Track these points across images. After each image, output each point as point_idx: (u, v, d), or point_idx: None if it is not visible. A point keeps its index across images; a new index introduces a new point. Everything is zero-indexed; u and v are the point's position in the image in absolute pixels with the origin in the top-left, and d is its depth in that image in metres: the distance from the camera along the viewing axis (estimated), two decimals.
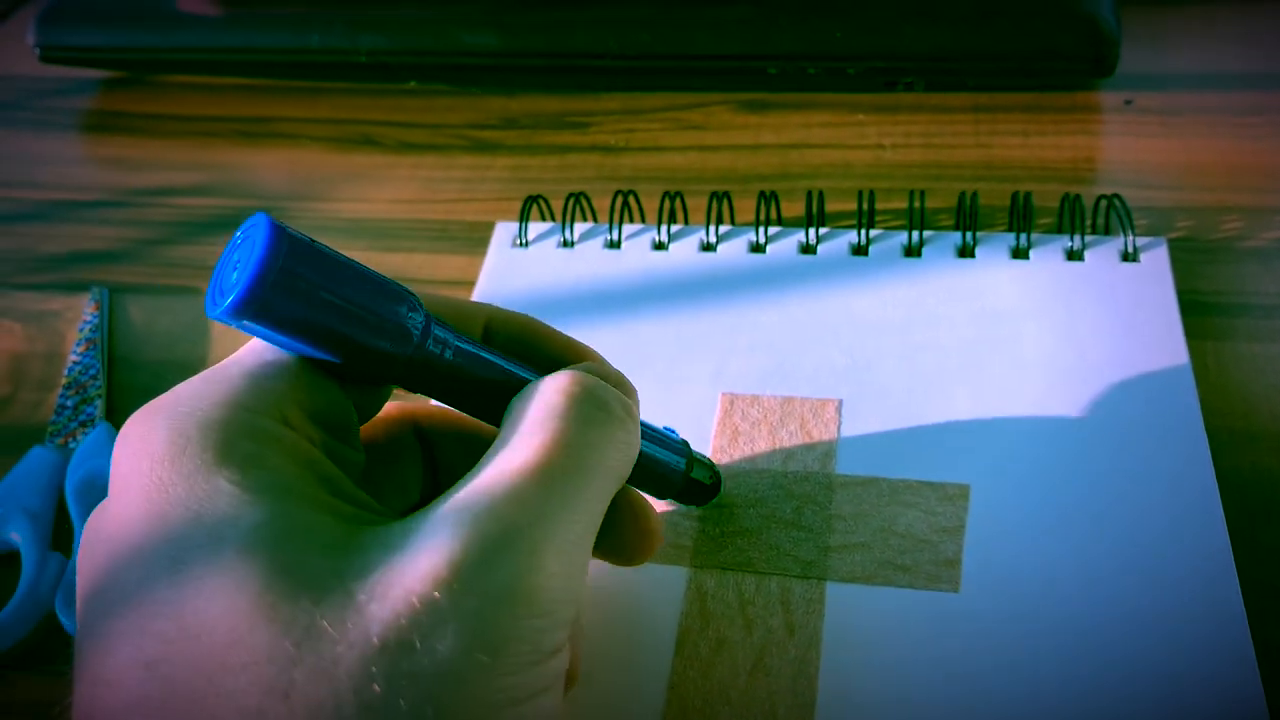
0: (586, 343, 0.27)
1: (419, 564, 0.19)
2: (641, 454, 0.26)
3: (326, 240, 0.22)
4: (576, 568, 0.21)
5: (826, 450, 0.32)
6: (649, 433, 0.27)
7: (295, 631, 0.18)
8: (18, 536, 0.33)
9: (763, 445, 0.32)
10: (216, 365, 0.22)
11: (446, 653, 0.18)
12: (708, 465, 0.30)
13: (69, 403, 0.38)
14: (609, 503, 0.23)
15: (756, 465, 0.32)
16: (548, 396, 0.22)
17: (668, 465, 0.28)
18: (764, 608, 0.28)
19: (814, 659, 0.27)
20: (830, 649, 0.27)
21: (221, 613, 0.18)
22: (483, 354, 0.24)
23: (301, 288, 0.20)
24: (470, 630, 0.19)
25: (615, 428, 0.23)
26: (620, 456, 0.23)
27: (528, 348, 0.26)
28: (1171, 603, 0.27)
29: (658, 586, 0.29)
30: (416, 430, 0.27)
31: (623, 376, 0.25)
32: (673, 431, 0.29)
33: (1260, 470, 0.31)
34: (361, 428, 0.24)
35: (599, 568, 0.30)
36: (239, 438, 0.20)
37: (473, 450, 0.25)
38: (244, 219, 0.22)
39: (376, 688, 0.18)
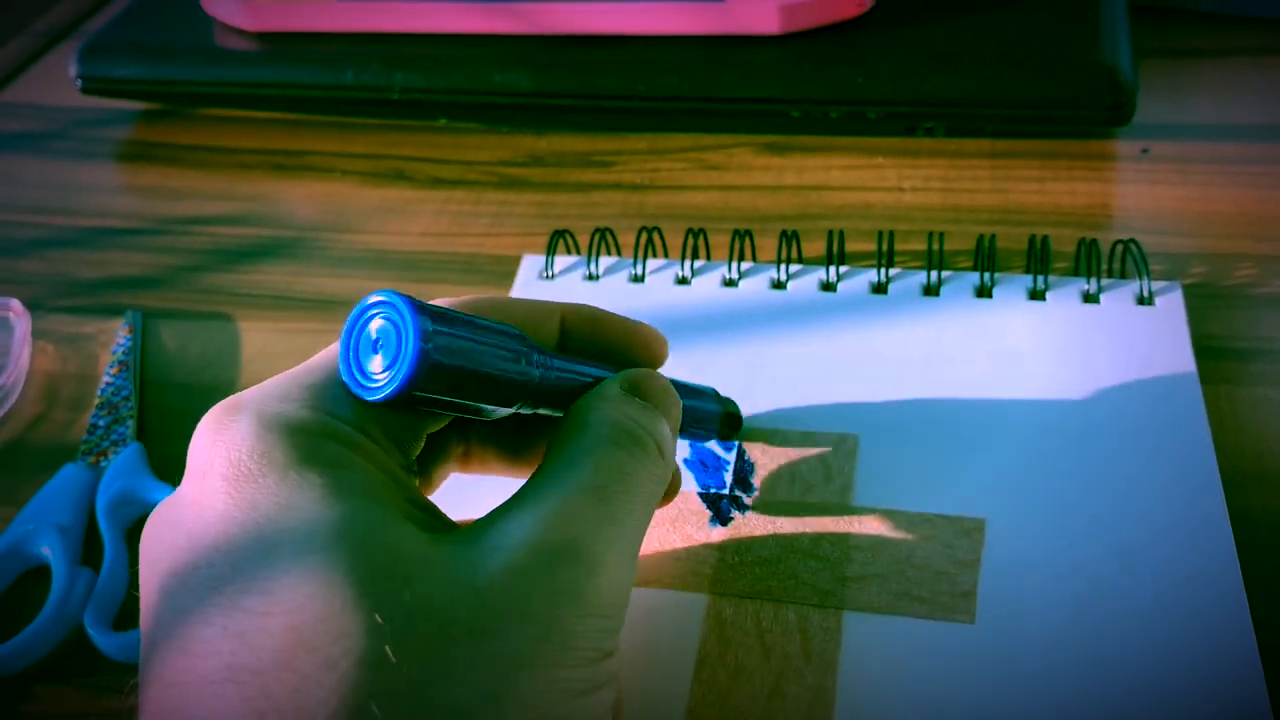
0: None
1: (498, 561, 0.21)
2: (689, 408, 0.29)
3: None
4: (627, 580, 0.23)
5: (845, 483, 0.32)
6: (688, 388, 0.30)
7: (387, 608, 0.19)
8: (48, 551, 0.34)
9: (783, 477, 0.33)
10: (301, 367, 0.23)
11: (522, 643, 0.20)
12: (733, 405, 0.33)
13: (101, 422, 0.38)
14: (648, 524, 0.25)
15: (776, 496, 0.32)
16: (595, 429, 0.24)
17: (708, 412, 0.32)
18: (782, 635, 0.29)
19: (831, 686, 0.28)
20: (847, 677, 0.28)
21: (316, 590, 0.19)
22: (571, 366, 0.26)
23: (446, 385, 0.22)
24: (543, 623, 0.20)
25: (651, 464, 0.25)
26: (656, 484, 0.25)
27: (598, 337, 0.28)
28: (1184, 638, 0.27)
29: (677, 613, 0.30)
30: None
31: (662, 338, 0.29)
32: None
33: (1272, 511, 0.31)
34: None
35: None
36: (325, 440, 0.22)
37: (504, 425, 0.28)
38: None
39: (461, 668, 0.19)
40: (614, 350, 0.28)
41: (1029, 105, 0.44)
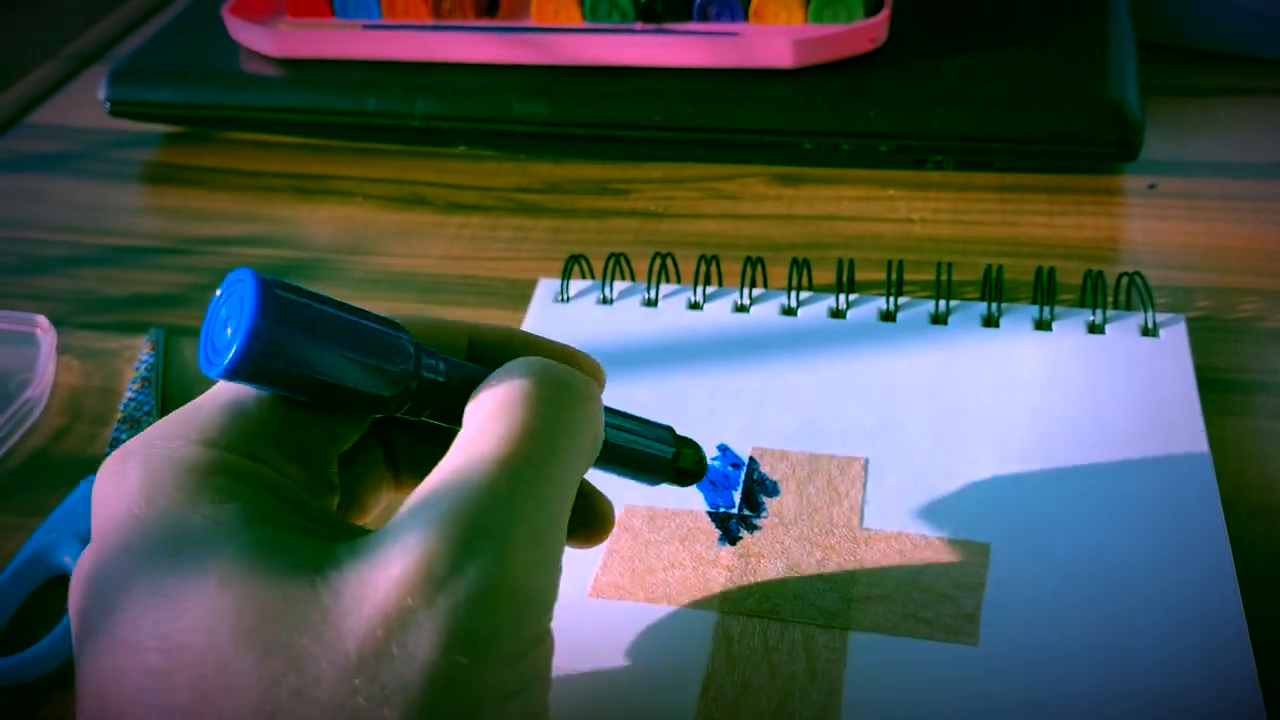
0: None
1: (390, 571, 0.19)
2: (627, 441, 0.27)
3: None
4: (552, 553, 0.21)
5: (852, 506, 0.33)
6: (629, 421, 0.28)
7: (275, 653, 0.19)
8: (70, 560, 0.35)
9: (791, 499, 0.33)
10: (190, 404, 0.23)
11: (425, 657, 0.18)
12: (693, 446, 0.30)
13: (123, 436, 0.39)
14: (579, 482, 0.23)
15: (784, 518, 0.33)
16: (507, 383, 0.22)
17: (654, 449, 0.28)
18: (788, 654, 0.29)
19: (835, 705, 0.28)
20: (851, 697, 0.28)
21: (207, 641, 0.19)
22: (468, 371, 0.24)
23: (294, 349, 0.21)
24: (447, 631, 0.19)
25: (578, 406, 0.22)
26: (587, 435, 0.23)
27: (513, 357, 0.26)
28: (1185, 667, 0.28)
29: (685, 630, 0.30)
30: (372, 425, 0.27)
31: (595, 363, 0.27)
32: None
33: (1274, 541, 0.32)
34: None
35: (629, 611, 0.31)
36: (210, 474, 0.21)
37: (429, 435, 0.26)
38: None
39: (361, 700, 0.18)
40: None
41: (1038, 140, 0.45)
